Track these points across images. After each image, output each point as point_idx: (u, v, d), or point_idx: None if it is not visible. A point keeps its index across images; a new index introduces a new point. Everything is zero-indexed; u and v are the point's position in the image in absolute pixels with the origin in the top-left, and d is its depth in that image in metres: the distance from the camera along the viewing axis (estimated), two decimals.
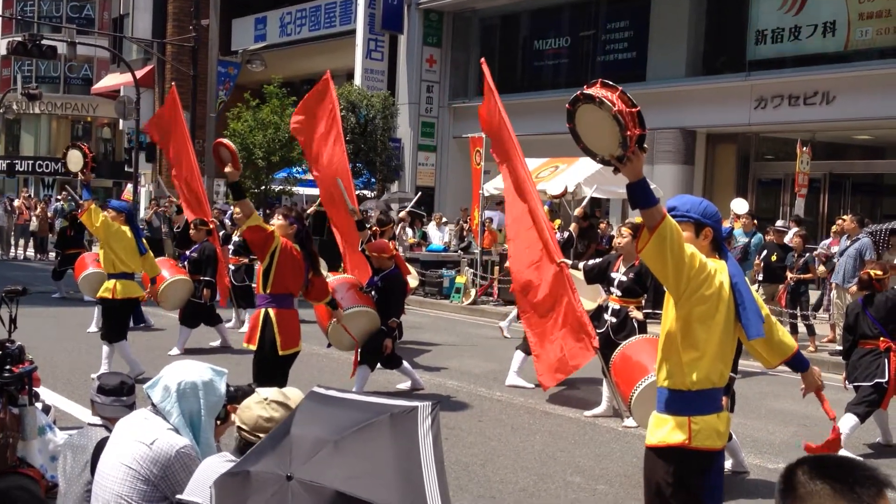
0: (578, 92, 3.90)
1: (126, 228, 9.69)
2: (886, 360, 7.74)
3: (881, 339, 7.82)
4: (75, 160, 9.57)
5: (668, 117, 21.09)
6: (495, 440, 7.87)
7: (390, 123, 25.12)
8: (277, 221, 7.16)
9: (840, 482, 1.80)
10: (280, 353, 7.04)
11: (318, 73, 11.63)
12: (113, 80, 38.32)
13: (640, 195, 3.86)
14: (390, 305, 9.22)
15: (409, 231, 20.11)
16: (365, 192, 23.00)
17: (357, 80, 26.45)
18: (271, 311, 7.06)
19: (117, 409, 4.17)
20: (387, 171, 25.02)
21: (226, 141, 6.94)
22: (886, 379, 7.68)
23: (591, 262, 9.27)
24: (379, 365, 9.32)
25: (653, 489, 3.95)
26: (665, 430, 3.89)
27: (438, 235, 21.02)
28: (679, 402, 3.90)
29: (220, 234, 13.57)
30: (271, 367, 7.07)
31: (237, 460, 2.87)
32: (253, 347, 7.20)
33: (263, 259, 6.98)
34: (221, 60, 25.87)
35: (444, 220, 21.98)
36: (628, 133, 3.77)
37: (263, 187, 24.49)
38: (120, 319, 9.58)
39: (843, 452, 7.06)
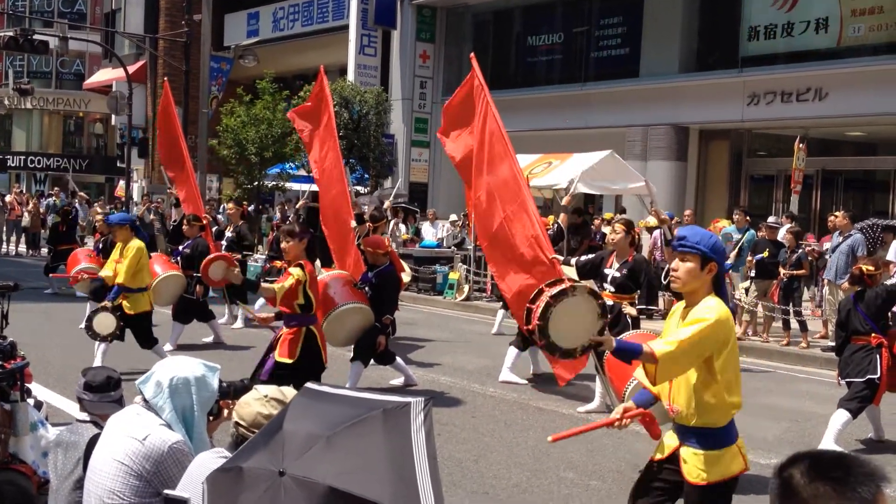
0: (541, 305, 4.27)
1: (138, 243, 9.62)
2: (878, 356, 7.76)
3: (872, 335, 7.84)
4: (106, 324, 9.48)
5: (661, 113, 21.11)
6: (488, 436, 7.88)
7: (383, 119, 25.08)
8: (289, 245, 7.30)
9: (842, 483, 1.80)
10: (325, 364, 7.69)
11: (311, 68, 11.63)
12: (105, 75, 38.20)
13: (626, 355, 4.22)
14: (384, 302, 9.23)
15: (402, 227, 20.10)
16: (358, 187, 22.96)
17: (350, 76, 26.41)
18: (314, 329, 7.63)
19: (105, 405, 4.16)
20: (380, 167, 24.99)
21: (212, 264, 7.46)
22: (878, 375, 7.70)
23: (583, 257, 9.28)
24: (372, 361, 9.32)
25: None
26: (722, 464, 4.13)
27: (432, 231, 21.01)
28: (725, 434, 4.16)
29: (213, 229, 13.54)
30: (311, 378, 7.16)
31: (230, 456, 2.86)
32: (289, 361, 7.35)
33: (298, 297, 7.37)
34: (214, 56, 25.80)
35: (437, 216, 21.97)
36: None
37: (256, 183, 24.44)
38: (141, 330, 9.68)
39: (833, 447, 7.08)
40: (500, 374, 10.18)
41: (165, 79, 17.92)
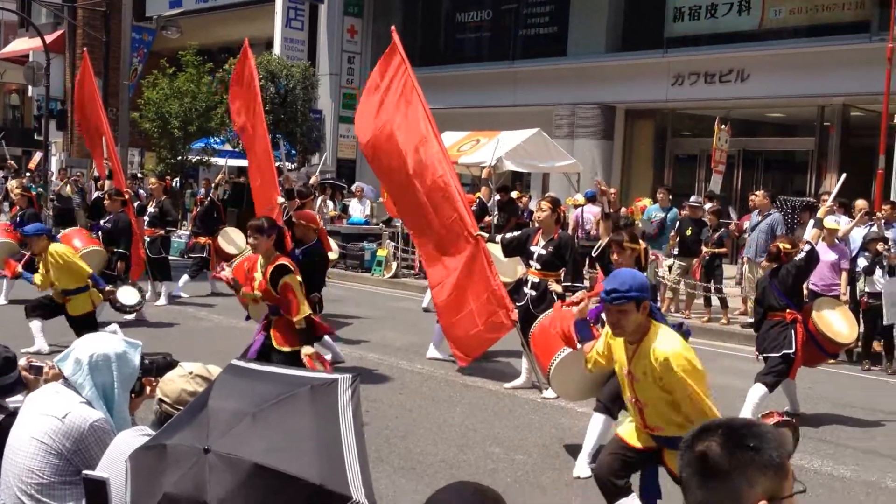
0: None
1: (56, 247, 9.24)
2: (793, 332, 7.98)
3: (787, 311, 8.07)
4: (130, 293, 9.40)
5: (588, 92, 21.29)
6: (416, 412, 7.90)
7: (311, 94, 24.79)
8: (258, 241, 7.11)
9: (758, 451, 1.83)
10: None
11: (236, 41, 11.43)
12: (21, 44, 36.92)
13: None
14: (311, 279, 9.14)
15: (329, 204, 19.94)
16: (285, 163, 22.70)
17: (276, 50, 26.01)
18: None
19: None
20: (307, 143, 24.73)
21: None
22: (793, 350, 7.93)
23: (509, 235, 9.33)
24: None
25: None
26: None
27: (359, 208, 20.89)
28: None
29: (135, 204, 13.25)
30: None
31: (154, 434, 2.82)
32: (288, 350, 7.14)
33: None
34: (135, 26, 25.16)
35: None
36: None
37: (180, 158, 23.95)
38: (88, 327, 9.31)
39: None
40: (428, 350, 10.21)
41: (85, 49, 17.42)
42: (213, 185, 15.19)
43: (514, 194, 16.57)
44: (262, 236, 7.13)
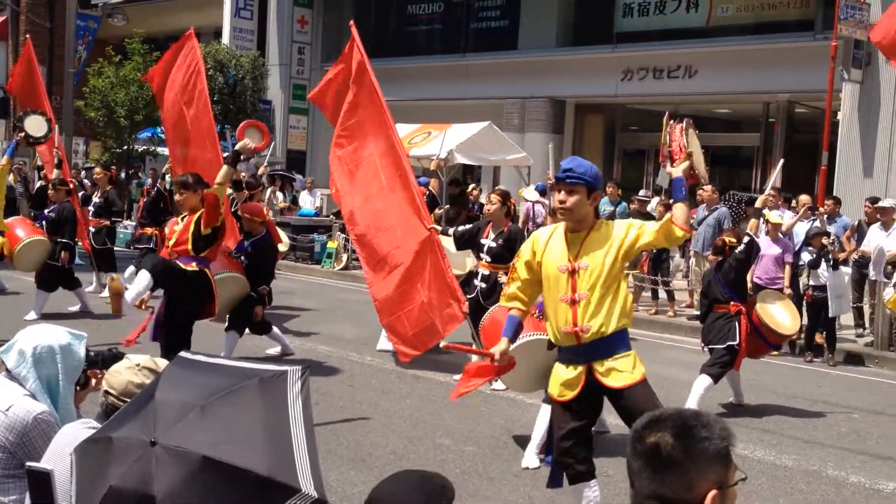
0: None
1: None
2: (737, 324, 8.13)
3: (732, 303, 8.21)
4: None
5: (538, 86, 21.37)
6: (366, 404, 7.90)
7: (260, 85, 24.55)
8: (184, 196, 7.31)
9: (708, 441, 1.87)
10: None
11: (184, 29, 11.24)
12: None
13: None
14: (260, 271, 9.09)
15: (279, 195, 19.79)
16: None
17: (225, 39, 25.71)
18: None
19: None
20: None
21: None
22: (737, 341, 8.07)
23: (460, 228, 9.35)
24: (247, 331, 9.19)
25: None
26: (640, 363, 4.76)
27: (310, 200, 20.77)
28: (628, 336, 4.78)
29: (80, 194, 13.02)
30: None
31: (99, 427, 2.78)
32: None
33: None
34: (80, 13, 24.69)
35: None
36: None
37: (126, 147, 23.57)
38: None
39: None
40: (378, 342, 10.20)
41: (28, 36, 17.05)
42: (160, 175, 15.00)
43: (472, 188, 16.63)
44: (187, 191, 7.16)
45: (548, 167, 12.89)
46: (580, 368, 4.61)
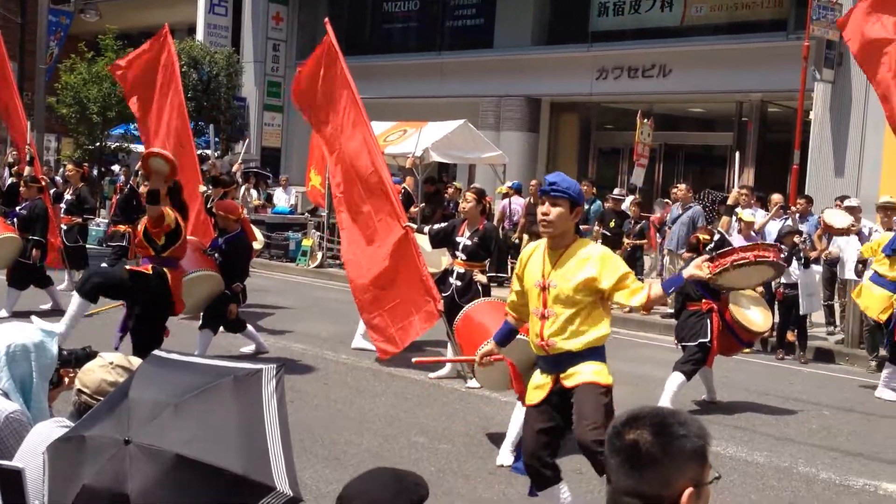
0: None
1: None
2: (709, 321, 8.19)
3: (704, 300, 8.28)
4: None
5: (513, 85, 21.42)
6: (340, 403, 7.89)
7: (235, 82, 24.43)
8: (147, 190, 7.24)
9: (686, 439, 1.89)
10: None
11: (157, 25, 11.18)
12: None
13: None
14: (234, 269, 9.03)
15: (253, 192, 19.71)
16: (207, 151, 22.35)
17: (199, 36, 25.56)
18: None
19: None
20: (231, 131, 24.37)
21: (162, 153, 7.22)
22: (709, 339, 8.14)
23: (436, 226, 9.37)
24: (221, 329, 9.15)
25: None
26: (607, 374, 4.80)
27: (284, 198, 20.70)
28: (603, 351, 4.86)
29: (52, 191, 12.90)
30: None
31: (72, 425, 2.76)
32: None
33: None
34: (53, 9, 24.39)
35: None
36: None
37: (98, 144, 23.37)
38: None
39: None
40: (353, 340, 10.19)
41: None
42: (133, 172, 14.89)
43: (455, 185, 16.68)
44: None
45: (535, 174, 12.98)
46: (550, 377, 4.75)
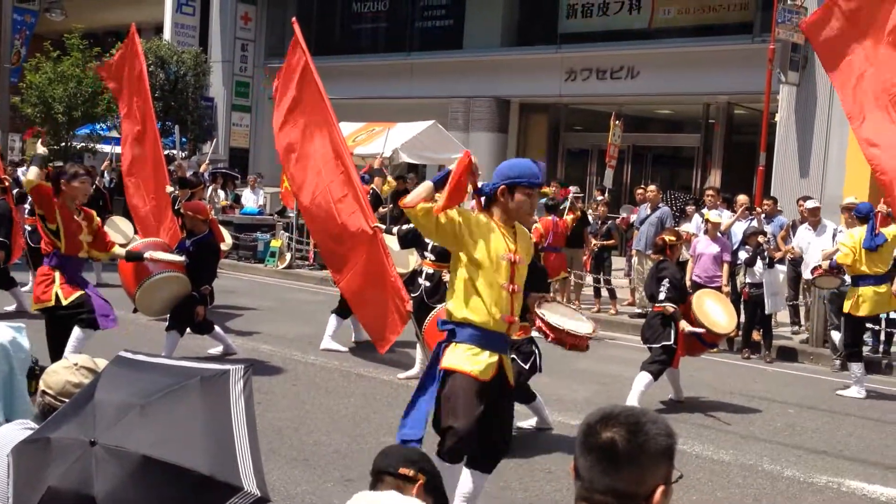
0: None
1: None
2: (673, 323, 8.26)
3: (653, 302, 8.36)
4: None
5: (483, 86, 21.49)
6: (309, 403, 7.87)
7: (202, 81, 24.28)
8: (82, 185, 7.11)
9: (658, 438, 1.93)
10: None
11: (123, 25, 11.13)
12: None
13: None
14: (202, 271, 8.98)
15: (221, 193, 19.59)
16: (174, 151, 22.19)
17: (167, 35, 25.38)
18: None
19: None
20: (199, 131, 24.21)
21: None
22: (672, 341, 8.21)
23: (405, 226, 9.37)
24: (189, 330, 9.09)
25: None
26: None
27: (253, 198, 20.59)
28: None
29: (15, 192, 12.74)
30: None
31: (37, 427, 2.73)
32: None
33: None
34: (17, 7, 24.15)
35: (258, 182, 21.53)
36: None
37: (64, 144, 23.12)
38: None
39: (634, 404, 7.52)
40: (322, 341, 10.17)
41: None
42: (98, 172, 14.74)
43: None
44: (88, 179, 7.36)
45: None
46: (496, 357, 4.67)
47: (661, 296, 8.27)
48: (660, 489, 1.91)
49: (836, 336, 10.59)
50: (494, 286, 4.60)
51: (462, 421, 4.57)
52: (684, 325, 8.22)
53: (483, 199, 4.75)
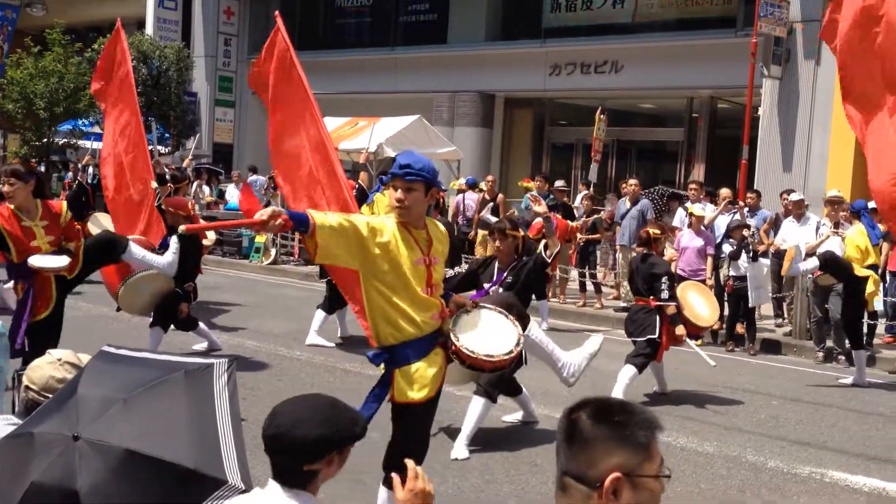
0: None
1: None
2: (657, 317, 8.30)
3: (651, 296, 8.38)
4: None
5: (468, 80, 21.47)
6: None
7: (185, 76, 24.16)
8: (14, 188, 6.53)
9: (622, 427, 1.91)
10: None
11: (106, 20, 11.07)
12: None
13: None
14: (184, 267, 8.92)
15: (205, 189, 19.52)
16: (158, 147, 22.08)
17: (149, 30, 25.24)
18: None
19: None
20: (182, 126, 24.11)
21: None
22: (658, 334, 8.25)
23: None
24: (173, 327, 9.05)
25: None
26: None
27: (236, 194, 20.51)
28: None
29: None
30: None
31: (20, 423, 2.72)
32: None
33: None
34: None
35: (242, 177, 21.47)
36: None
37: (46, 140, 22.97)
38: None
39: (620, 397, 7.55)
40: (308, 337, 10.16)
41: None
42: (80, 168, 14.66)
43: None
44: (19, 181, 6.70)
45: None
46: (440, 353, 4.51)
47: (665, 294, 8.28)
48: (612, 476, 1.87)
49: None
50: (416, 293, 4.35)
51: (420, 452, 4.53)
52: (682, 332, 8.28)
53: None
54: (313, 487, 2.40)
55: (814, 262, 9.65)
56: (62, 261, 6.88)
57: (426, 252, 4.40)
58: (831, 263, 9.71)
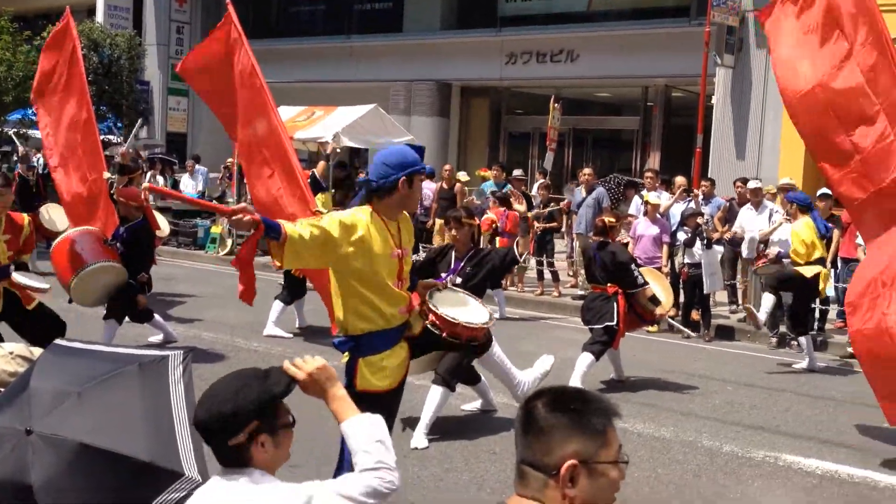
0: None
1: None
2: (615, 304, 8.36)
3: (609, 284, 8.44)
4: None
5: (424, 69, 21.42)
6: None
7: (137, 65, 23.82)
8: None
9: (578, 414, 1.93)
10: None
11: (54, 7, 10.83)
12: None
13: None
14: (138, 258, 8.81)
15: (159, 179, 19.27)
16: (110, 136, 21.71)
17: (99, 18, 24.83)
18: None
19: None
20: (134, 115, 23.77)
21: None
22: (615, 322, 8.31)
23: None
24: (128, 318, 8.94)
25: None
26: None
27: (192, 184, 20.28)
28: None
29: None
30: None
31: None
32: None
33: None
34: None
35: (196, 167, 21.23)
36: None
37: None
38: None
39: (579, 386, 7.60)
40: (265, 328, 10.09)
41: None
42: (18, 158, 14.38)
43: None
44: (7, 189, 6.94)
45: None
46: (404, 346, 4.52)
47: (640, 280, 8.38)
48: (568, 463, 1.89)
49: (766, 307, 10.60)
50: (387, 286, 4.32)
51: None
52: (663, 310, 8.65)
53: (369, 193, 4.38)
54: (260, 462, 2.33)
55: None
56: (44, 286, 7.51)
57: (398, 244, 4.37)
58: (786, 280, 9.93)
